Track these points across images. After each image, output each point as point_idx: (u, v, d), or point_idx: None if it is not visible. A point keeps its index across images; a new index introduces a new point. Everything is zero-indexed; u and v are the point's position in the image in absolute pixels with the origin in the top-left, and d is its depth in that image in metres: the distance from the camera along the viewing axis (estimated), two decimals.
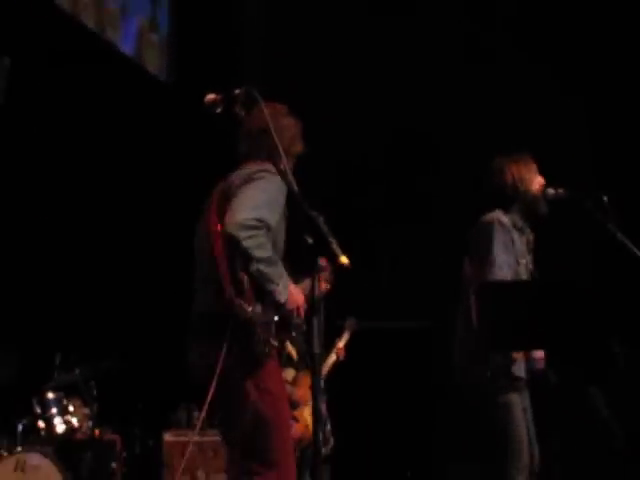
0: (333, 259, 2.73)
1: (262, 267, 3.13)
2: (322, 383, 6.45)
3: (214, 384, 3.10)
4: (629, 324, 3.64)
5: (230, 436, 3.35)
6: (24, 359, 5.76)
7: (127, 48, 8.13)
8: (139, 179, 7.72)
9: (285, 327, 3.29)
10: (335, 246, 2.74)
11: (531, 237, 4.34)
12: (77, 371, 5.99)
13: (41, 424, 5.70)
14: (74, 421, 5.81)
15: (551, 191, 4.25)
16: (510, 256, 4.11)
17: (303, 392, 6.24)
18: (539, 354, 4.06)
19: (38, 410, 5.73)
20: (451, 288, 4.31)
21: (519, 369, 4.13)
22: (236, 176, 3.39)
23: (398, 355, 7.57)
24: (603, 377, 4.35)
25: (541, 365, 4.09)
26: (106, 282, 7.28)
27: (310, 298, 3.00)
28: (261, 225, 3.13)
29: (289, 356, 6.27)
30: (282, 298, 3.22)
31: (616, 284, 3.71)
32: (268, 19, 8.54)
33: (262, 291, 3.18)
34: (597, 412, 4.85)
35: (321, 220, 2.82)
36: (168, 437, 6.66)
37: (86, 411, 5.94)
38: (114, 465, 6.21)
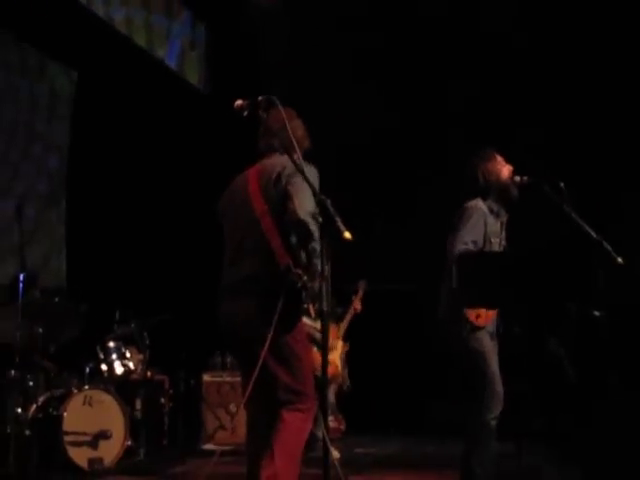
0: (338, 234, 2.70)
1: (316, 245, 3.14)
2: (343, 333, 6.46)
3: (270, 336, 3.09)
4: (579, 285, 3.62)
5: (274, 380, 3.30)
6: (90, 314, 5.76)
7: (172, 64, 8.10)
8: (182, 169, 7.73)
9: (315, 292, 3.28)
10: (340, 224, 2.72)
11: (505, 219, 4.33)
12: (133, 324, 6.00)
13: (104, 367, 5.72)
14: (130, 365, 5.83)
15: (517, 178, 4.24)
16: (478, 236, 4.11)
17: (332, 339, 6.26)
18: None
19: (101, 356, 5.75)
20: (437, 259, 4.29)
21: (488, 326, 4.12)
22: (270, 165, 3.36)
23: (397, 312, 7.57)
24: (559, 328, 4.32)
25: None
26: (155, 253, 7.30)
27: (321, 266, 2.97)
28: (315, 213, 3.12)
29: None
30: (319, 270, 3.18)
31: (569, 254, 3.69)
32: (288, 38, 8.47)
33: (308, 264, 3.21)
34: (554, 357, 4.83)
35: (328, 202, 2.80)
36: (206, 377, 6.68)
37: (140, 357, 5.95)
38: (163, 400, 6.26)
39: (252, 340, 3.22)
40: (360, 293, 6.57)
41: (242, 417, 6.15)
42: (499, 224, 4.28)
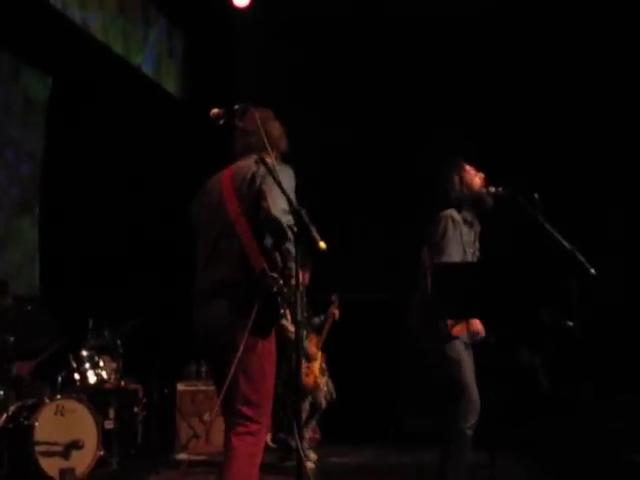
0: (313, 244, 2.70)
1: (290, 246, 3.08)
2: (314, 348, 6.45)
3: (244, 343, 3.02)
4: (553, 295, 3.65)
5: (236, 386, 3.19)
6: (63, 323, 5.70)
7: (148, 71, 8.07)
8: (157, 176, 7.70)
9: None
10: (315, 233, 2.72)
11: (478, 229, 4.35)
12: (106, 332, 5.96)
13: (76, 376, 5.66)
14: (104, 374, 5.77)
15: (492, 189, 4.26)
16: (458, 246, 4.13)
17: (312, 348, 6.26)
18: (476, 327, 4.07)
19: (74, 365, 5.69)
20: (410, 270, 4.31)
21: (463, 336, 4.14)
22: (245, 166, 3.30)
23: (371, 322, 7.57)
24: (531, 338, 4.35)
25: (478, 337, 4.10)
26: (129, 261, 7.26)
27: (295, 274, 2.95)
28: (291, 210, 3.03)
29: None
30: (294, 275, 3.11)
31: (543, 264, 3.71)
32: (261, 48, 8.49)
33: (283, 266, 3.14)
34: (527, 366, 4.85)
35: (303, 212, 2.79)
36: (180, 386, 6.65)
37: (113, 365, 5.90)
38: (136, 409, 6.21)
39: (225, 346, 3.13)
40: (336, 302, 6.59)
41: (216, 426, 6.17)
42: (473, 234, 4.30)
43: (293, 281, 3.06)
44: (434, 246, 4.14)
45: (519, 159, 7.09)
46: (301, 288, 2.87)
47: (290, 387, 3.31)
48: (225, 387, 3.08)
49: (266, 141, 3.06)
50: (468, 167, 4.34)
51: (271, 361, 3.21)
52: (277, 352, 3.24)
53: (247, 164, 3.30)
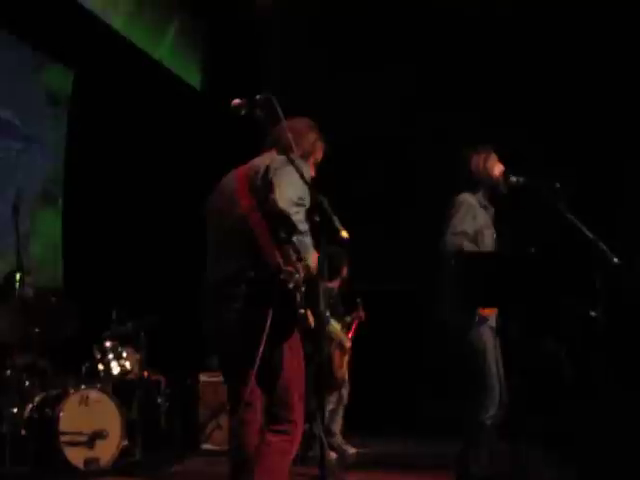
0: (335, 234, 2.69)
1: (302, 238, 3.01)
2: (349, 341, 6.47)
3: (264, 340, 2.91)
4: (577, 285, 3.63)
5: (262, 387, 3.17)
6: (88, 314, 5.76)
7: (169, 63, 8.09)
8: (180, 169, 7.73)
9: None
10: (337, 223, 2.71)
11: (492, 212, 4.36)
12: (129, 324, 6.01)
13: (100, 367, 5.72)
14: (127, 365, 5.83)
15: (513, 179, 4.26)
16: (469, 226, 4.14)
17: (348, 343, 6.27)
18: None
19: (98, 356, 5.75)
20: (429, 258, 4.30)
21: (491, 320, 4.13)
22: (259, 160, 3.28)
23: (392, 312, 7.55)
24: (556, 328, 4.33)
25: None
26: (152, 253, 7.30)
27: (319, 265, 2.94)
28: (302, 203, 3.01)
29: (337, 313, 6.28)
30: (313, 265, 3.08)
31: (566, 254, 3.70)
32: (284, 41, 8.49)
33: (297, 259, 3.03)
34: (552, 356, 4.83)
35: (325, 202, 2.79)
36: (203, 377, 6.67)
37: (137, 356, 5.96)
38: (159, 400, 6.25)
39: (241, 352, 3.07)
40: (361, 305, 6.61)
41: None
42: (489, 217, 4.32)
43: (307, 273, 3.01)
44: (446, 228, 4.16)
45: (540, 149, 7.04)
46: (323, 278, 2.84)
47: (319, 379, 3.23)
48: (248, 389, 3.03)
49: (292, 141, 3.02)
50: (494, 155, 4.36)
51: (299, 358, 3.17)
52: (304, 344, 3.20)
53: (263, 159, 3.28)
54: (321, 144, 3.52)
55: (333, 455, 6.14)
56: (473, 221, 4.18)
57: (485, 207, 4.31)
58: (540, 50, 7.47)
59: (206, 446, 6.38)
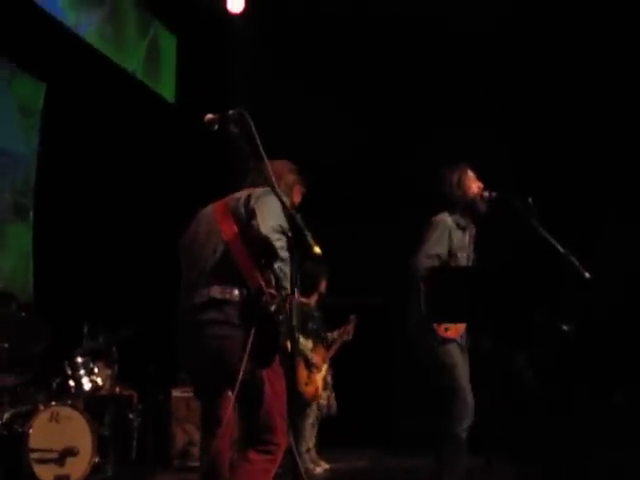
0: (308, 249, 2.70)
1: (283, 266, 3.01)
2: (328, 359, 6.47)
3: (243, 366, 2.89)
4: (547, 299, 3.67)
5: (242, 409, 3.16)
6: (59, 329, 5.71)
7: (141, 75, 8.10)
8: (151, 182, 7.71)
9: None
10: (310, 238, 2.72)
11: (473, 232, 4.37)
12: (101, 339, 5.96)
13: (71, 383, 5.64)
14: (99, 380, 5.76)
15: (486, 194, 4.29)
16: (442, 249, 4.16)
17: (318, 359, 6.26)
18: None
19: (69, 371, 5.68)
20: (403, 273, 4.33)
21: (459, 339, 4.16)
22: (239, 193, 3.28)
23: (366, 326, 7.56)
24: (525, 342, 4.37)
25: None
26: (124, 267, 7.26)
27: (291, 279, 2.95)
28: (284, 230, 3.02)
29: (311, 329, 6.28)
30: (288, 289, 3.06)
31: (537, 268, 3.73)
32: (255, 53, 8.52)
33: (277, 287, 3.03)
34: (521, 371, 4.87)
35: (298, 217, 2.80)
36: (175, 393, 6.65)
37: (109, 372, 5.90)
38: (131, 416, 6.20)
39: (221, 376, 3.06)
40: (353, 323, 6.61)
41: None
42: (467, 238, 4.32)
43: (287, 303, 2.99)
44: (422, 248, 4.18)
45: (514, 164, 7.12)
46: (297, 294, 2.85)
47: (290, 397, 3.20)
48: (229, 410, 3.03)
49: (272, 177, 2.98)
50: (470, 172, 4.37)
51: (280, 381, 3.15)
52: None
53: (242, 192, 3.29)
54: (299, 188, 3.55)
55: (319, 469, 6.15)
56: (447, 242, 4.19)
57: (463, 228, 4.30)
58: (524, 61, 7.57)
59: (178, 462, 6.34)
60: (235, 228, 3.12)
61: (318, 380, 6.24)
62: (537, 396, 5.03)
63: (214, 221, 3.23)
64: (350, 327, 6.61)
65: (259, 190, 3.17)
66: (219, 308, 3.05)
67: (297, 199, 3.54)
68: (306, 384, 6.12)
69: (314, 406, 6.23)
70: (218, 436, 3.12)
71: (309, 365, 6.17)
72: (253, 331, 2.91)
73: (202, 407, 3.33)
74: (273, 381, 3.10)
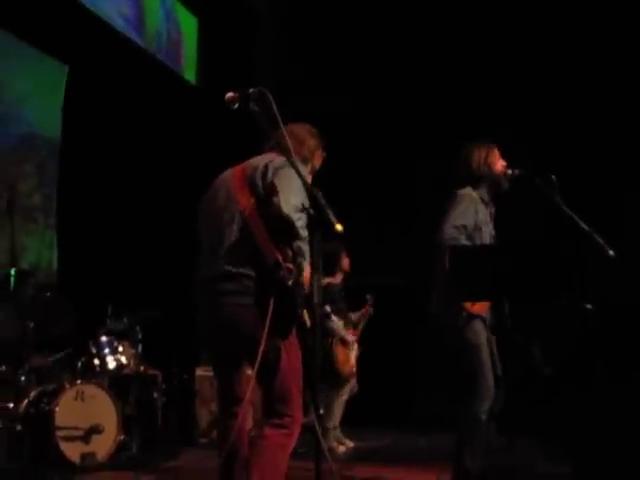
0: (329, 227, 2.68)
1: (302, 244, 2.99)
2: (352, 336, 6.48)
3: (264, 339, 2.88)
4: (571, 278, 3.62)
5: (262, 382, 3.12)
6: (83, 309, 5.74)
7: (165, 57, 8.11)
8: (175, 164, 7.72)
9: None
10: (331, 216, 2.70)
11: (492, 210, 4.34)
12: (125, 319, 6.00)
13: (96, 362, 5.71)
14: (123, 359, 5.81)
15: (509, 171, 4.25)
16: (468, 221, 4.11)
17: (352, 338, 6.29)
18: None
19: (94, 350, 5.73)
20: (425, 253, 4.30)
21: (484, 316, 4.12)
22: (257, 159, 3.26)
23: (386, 307, 7.53)
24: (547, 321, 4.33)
25: None
26: (148, 247, 7.29)
27: (312, 257, 2.92)
28: (304, 208, 2.97)
29: (340, 309, 6.29)
30: (306, 276, 3.04)
31: (561, 246, 3.69)
32: (277, 38, 8.50)
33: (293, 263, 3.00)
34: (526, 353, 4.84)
35: (320, 195, 2.77)
36: (199, 372, 6.68)
37: (133, 351, 5.95)
38: (156, 395, 6.23)
39: (239, 347, 3.07)
40: (371, 301, 6.65)
41: None
42: (488, 214, 4.29)
43: (304, 276, 2.99)
44: (448, 218, 4.13)
45: (537, 142, 7.05)
46: (319, 272, 2.82)
47: (323, 373, 3.16)
48: (250, 388, 3.02)
49: (289, 144, 2.99)
50: (496, 150, 4.34)
51: (296, 354, 3.14)
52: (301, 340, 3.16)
53: (261, 157, 3.26)
54: (320, 152, 3.51)
55: (342, 448, 6.17)
56: (474, 216, 4.15)
57: (486, 204, 4.28)
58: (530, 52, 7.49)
59: (203, 440, 6.38)
60: (251, 200, 3.10)
61: (352, 359, 6.28)
62: (557, 379, 5.00)
63: (232, 188, 3.22)
64: (369, 308, 6.61)
65: (277, 160, 3.12)
66: (236, 279, 3.05)
67: (317, 163, 3.51)
68: (344, 363, 6.15)
69: (348, 385, 6.26)
70: (238, 416, 3.12)
71: (346, 343, 6.20)
72: (272, 302, 2.90)
73: (219, 385, 3.32)
74: (289, 352, 3.09)
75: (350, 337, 6.30)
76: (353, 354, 6.32)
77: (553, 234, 3.98)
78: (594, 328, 3.88)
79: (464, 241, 4.07)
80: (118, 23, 7.30)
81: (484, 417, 4.02)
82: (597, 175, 6.99)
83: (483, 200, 4.24)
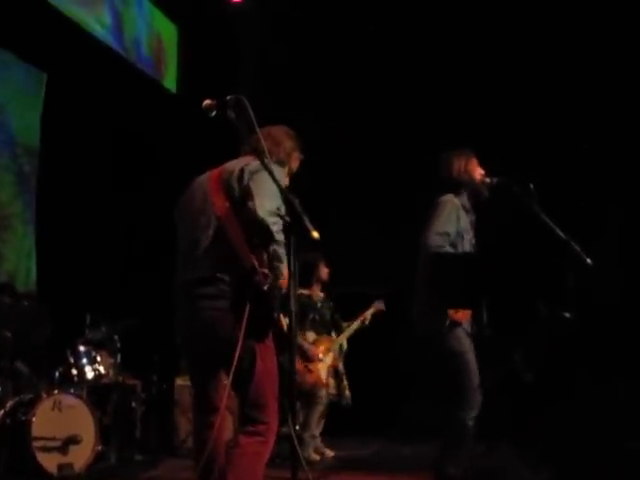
0: (306, 234, 2.68)
1: (278, 248, 2.98)
2: (344, 345, 6.45)
3: (240, 344, 2.89)
4: (549, 286, 3.64)
5: (237, 388, 3.11)
6: (61, 318, 5.70)
7: (143, 65, 8.09)
8: (153, 171, 7.69)
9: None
10: (308, 223, 2.69)
11: (473, 218, 4.36)
12: (103, 328, 5.96)
13: (74, 371, 5.65)
14: (101, 369, 5.77)
15: (487, 180, 4.27)
16: (451, 228, 4.12)
17: (319, 350, 6.25)
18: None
19: (71, 360, 5.68)
20: (408, 261, 4.30)
21: (465, 324, 4.14)
22: (233, 163, 3.25)
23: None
24: (525, 329, 4.34)
25: None
26: (126, 256, 7.26)
27: (288, 265, 2.91)
28: (280, 213, 2.98)
29: (313, 320, 6.26)
30: (284, 275, 3.02)
31: (539, 255, 3.71)
32: (261, 44, 8.50)
33: (270, 267, 3.01)
34: (518, 368, 4.85)
35: (297, 202, 2.77)
36: (179, 381, 6.63)
37: (111, 361, 5.90)
38: (134, 404, 6.18)
39: (217, 351, 3.05)
40: (372, 310, 6.57)
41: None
42: (469, 221, 4.31)
43: (280, 281, 2.99)
44: (432, 226, 4.14)
45: (515, 150, 7.08)
46: (295, 278, 2.81)
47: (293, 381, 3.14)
48: (227, 392, 3.03)
49: (264, 145, 2.99)
50: (474, 159, 4.37)
51: (272, 359, 3.13)
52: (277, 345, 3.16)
53: (237, 161, 3.26)
54: (297, 154, 3.51)
55: (316, 457, 6.14)
56: (456, 223, 4.16)
57: (467, 211, 4.30)
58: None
59: (182, 450, 6.33)
60: (227, 204, 3.11)
61: (320, 369, 6.22)
62: (536, 386, 5.01)
63: (208, 191, 3.22)
64: (370, 312, 6.54)
65: (253, 164, 3.12)
66: (212, 283, 3.05)
67: (295, 165, 3.51)
68: (304, 374, 6.11)
69: (323, 395, 6.20)
70: (213, 426, 3.09)
71: (304, 356, 6.15)
72: (247, 307, 2.91)
73: (195, 393, 3.30)
74: (265, 357, 3.08)
75: (313, 350, 6.23)
76: (321, 365, 6.26)
77: (531, 242, 3.99)
78: (573, 335, 3.89)
79: (448, 248, 4.09)
80: (97, 31, 7.27)
81: (471, 424, 4.02)
82: (575, 183, 7.02)
83: (464, 207, 4.26)
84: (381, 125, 8.05)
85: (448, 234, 4.09)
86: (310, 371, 6.17)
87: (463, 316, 4.11)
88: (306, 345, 6.18)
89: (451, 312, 4.06)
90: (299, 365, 6.09)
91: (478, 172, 4.33)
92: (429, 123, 7.69)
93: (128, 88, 7.46)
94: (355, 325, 6.49)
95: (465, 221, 4.25)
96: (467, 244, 4.24)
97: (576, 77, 7.31)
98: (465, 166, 4.32)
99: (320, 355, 6.26)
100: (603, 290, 5.01)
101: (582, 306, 3.74)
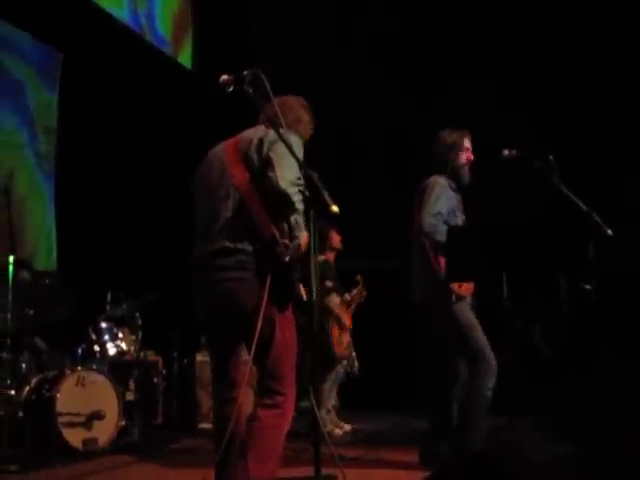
0: (325, 208, 2.66)
1: (298, 217, 2.97)
2: (347, 319, 6.46)
3: (261, 313, 2.89)
4: (570, 258, 3.62)
5: (258, 361, 3.08)
6: (83, 296, 5.72)
7: (159, 43, 8.06)
8: (171, 149, 7.67)
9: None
10: (327, 197, 2.67)
11: (460, 198, 4.38)
12: (124, 305, 5.98)
13: (96, 348, 5.70)
14: (123, 345, 5.81)
15: (506, 152, 4.21)
16: (442, 207, 4.13)
17: (347, 320, 6.26)
18: None
19: (94, 337, 5.73)
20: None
21: (467, 298, 4.16)
22: (250, 132, 3.22)
23: (385, 290, 7.50)
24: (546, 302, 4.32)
25: None
26: (146, 233, 7.27)
27: (310, 239, 2.89)
28: (300, 183, 2.95)
29: (332, 286, 6.26)
30: (304, 243, 3.01)
31: (559, 226, 3.68)
32: (274, 21, 8.43)
33: (290, 237, 3.00)
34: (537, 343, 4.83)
35: (316, 176, 2.75)
36: (199, 357, 6.67)
37: (133, 337, 5.94)
38: (156, 380, 6.24)
39: (238, 321, 3.03)
40: (361, 282, 6.58)
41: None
42: (457, 200, 4.32)
43: (299, 251, 2.97)
44: (419, 208, 4.15)
45: (535, 122, 7.00)
46: (315, 254, 2.80)
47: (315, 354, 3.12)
48: (248, 367, 3.01)
49: (280, 114, 2.99)
50: (467, 140, 4.35)
51: (291, 330, 3.12)
52: (297, 319, 3.15)
53: (254, 130, 3.23)
54: (311, 127, 3.46)
55: (338, 432, 6.15)
56: (446, 202, 4.18)
57: (455, 190, 4.31)
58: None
59: (203, 425, 6.38)
60: (247, 174, 3.08)
61: (345, 340, 6.25)
62: (556, 359, 4.99)
63: (226, 162, 3.18)
64: (361, 288, 6.55)
65: (272, 134, 3.07)
66: (233, 254, 3.03)
67: (307, 136, 3.45)
68: (338, 344, 6.13)
69: (336, 368, 6.22)
70: (233, 401, 3.09)
71: (340, 324, 6.17)
72: (268, 280, 2.89)
73: (214, 369, 3.28)
74: (284, 327, 3.06)
75: (346, 320, 6.26)
76: (346, 336, 6.28)
77: (552, 213, 3.95)
78: (593, 308, 3.87)
79: (442, 228, 4.09)
80: (112, 9, 7.24)
81: (489, 394, 4.02)
82: (595, 156, 6.94)
83: (451, 187, 4.28)
84: (394, 97, 7.98)
85: (441, 214, 4.13)
86: (342, 342, 6.20)
87: (467, 290, 4.12)
88: (339, 312, 6.19)
89: (455, 287, 4.06)
90: (335, 334, 6.11)
91: (465, 155, 4.33)
92: (443, 96, 7.61)
93: (144, 66, 7.44)
94: (356, 302, 6.49)
95: (454, 200, 4.27)
96: (459, 221, 4.25)
97: (594, 50, 7.21)
98: (453, 143, 4.31)
99: (348, 322, 6.30)
100: (624, 261, 4.96)
101: (603, 278, 3.71)
